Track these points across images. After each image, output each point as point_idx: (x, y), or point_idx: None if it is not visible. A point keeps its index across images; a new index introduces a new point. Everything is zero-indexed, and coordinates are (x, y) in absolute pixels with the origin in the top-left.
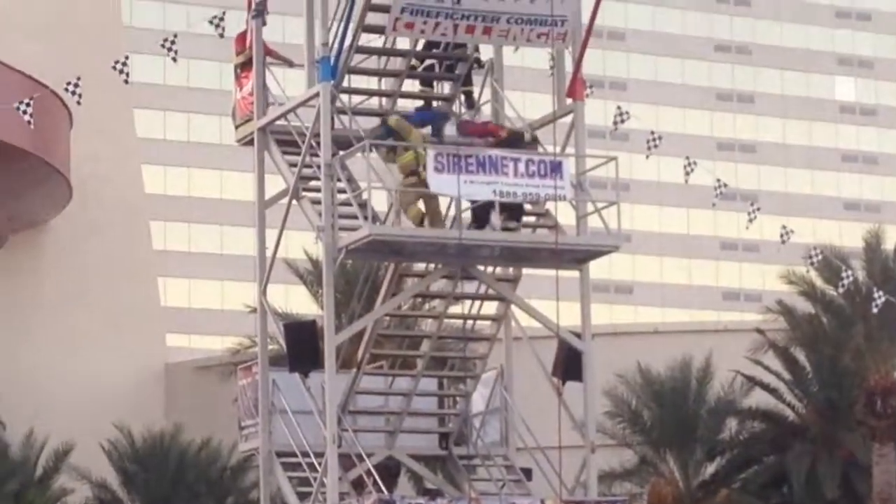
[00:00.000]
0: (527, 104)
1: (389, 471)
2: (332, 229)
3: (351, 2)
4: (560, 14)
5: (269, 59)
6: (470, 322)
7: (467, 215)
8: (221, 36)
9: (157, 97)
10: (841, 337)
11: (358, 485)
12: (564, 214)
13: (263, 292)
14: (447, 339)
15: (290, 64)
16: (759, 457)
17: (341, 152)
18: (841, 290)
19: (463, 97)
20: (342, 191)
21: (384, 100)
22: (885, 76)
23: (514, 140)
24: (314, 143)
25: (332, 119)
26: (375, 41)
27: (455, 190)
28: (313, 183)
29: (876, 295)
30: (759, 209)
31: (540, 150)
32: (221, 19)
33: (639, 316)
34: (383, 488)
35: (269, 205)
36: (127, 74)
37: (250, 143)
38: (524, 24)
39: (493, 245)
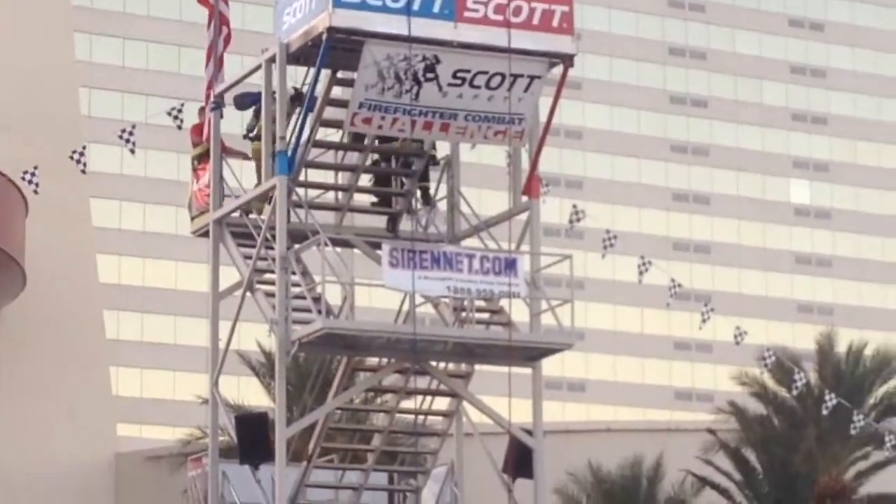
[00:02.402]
0: (483, 201)
1: None
2: (286, 322)
3: (309, 96)
4: (517, 112)
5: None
6: (421, 417)
7: (420, 311)
8: (180, 128)
9: (114, 187)
10: (792, 438)
11: None
12: (518, 311)
13: (215, 383)
14: (398, 433)
15: (247, 157)
16: None
17: (296, 245)
18: (793, 392)
19: (419, 193)
20: (296, 284)
21: (340, 194)
22: (840, 179)
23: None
24: (269, 236)
25: (288, 212)
26: (333, 136)
27: (409, 285)
28: (268, 276)
29: (827, 397)
30: (712, 310)
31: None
32: (180, 111)
33: (591, 414)
34: None
35: (224, 296)
36: (84, 164)
37: (206, 234)
38: (482, 121)
39: (447, 341)
